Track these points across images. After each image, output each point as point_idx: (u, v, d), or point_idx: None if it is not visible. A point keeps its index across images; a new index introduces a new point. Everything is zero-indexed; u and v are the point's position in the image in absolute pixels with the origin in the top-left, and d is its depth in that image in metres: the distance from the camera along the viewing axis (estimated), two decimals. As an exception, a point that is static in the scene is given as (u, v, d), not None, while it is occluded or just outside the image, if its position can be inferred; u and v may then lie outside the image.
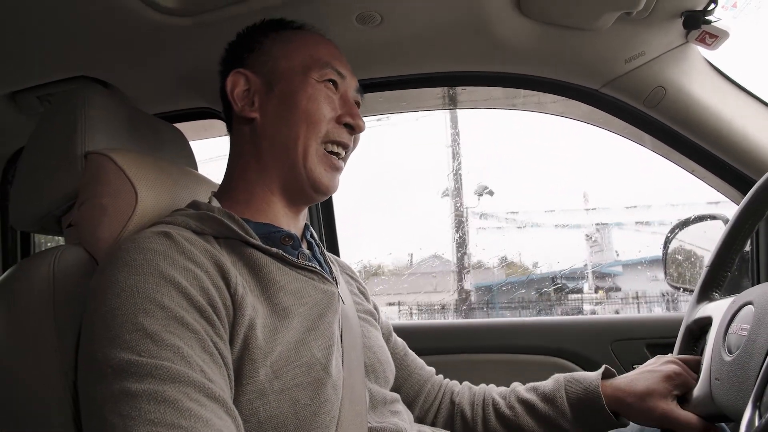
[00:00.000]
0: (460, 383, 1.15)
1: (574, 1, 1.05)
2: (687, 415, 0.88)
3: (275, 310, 0.76)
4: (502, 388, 1.09)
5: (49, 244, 1.82)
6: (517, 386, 1.07)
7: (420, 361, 1.15)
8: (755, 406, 0.65)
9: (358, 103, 0.97)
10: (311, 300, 0.82)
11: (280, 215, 0.91)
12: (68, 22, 1.04)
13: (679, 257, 1.52)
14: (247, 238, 0.82)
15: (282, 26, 0.98)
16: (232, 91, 0.91)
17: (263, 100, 0.91)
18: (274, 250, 0.83)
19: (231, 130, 0.97)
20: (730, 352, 0.79)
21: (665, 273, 1.52)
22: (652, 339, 1.39)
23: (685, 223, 1.49)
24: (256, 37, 0.96)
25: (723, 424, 0.89)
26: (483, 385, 1.12)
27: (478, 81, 1.34)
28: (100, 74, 1.23)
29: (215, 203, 0.88)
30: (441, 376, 1.16)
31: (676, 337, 1.01)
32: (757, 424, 0.61)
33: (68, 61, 1.19)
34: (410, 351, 1.15)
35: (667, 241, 1.53)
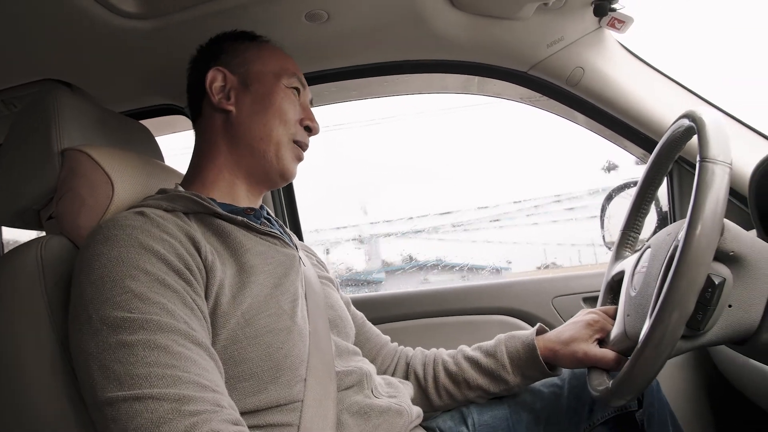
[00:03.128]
0: (416, 346, 1.26)
1: (497, -7, 1.16)
2: (602, 352, 1.00)
3: (243, 268, 0.87)
4: (451, 350, 1.19)
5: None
6: (463, 347, 1.18)
7: (376, 330, 1.25)
8: (650, 319, 0.79)
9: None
10: (275, 261, 0.94)
11: (242, 196, 1.03)
12: (31, 28, 1.07)
13: (612, 220, 1.68)
14: (214, 209, 0.92)
15: (253, 37, 1.10)
16: (211, 84, 1.02)
17: (239, 96, 1.03)
18: (239, 218, 0.94)
19: (200, 119, 1.06)
20: (635, 288, 0.93)
21: (603, 238, 1.67)
22: (587, 293, 1.52)
23: (614, 191, 1.65)
24: (230, 41, 1.08)
25: None
26: (434, 349, 1.22)
27: (420, 69, 1.44)
28: (64, 76, 1.26)
29: (180, 189, 0.98)
30: (396, 343, 1.26)
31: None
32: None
33: (32, 64, 1.22)
34: (368, 321, 1.25)
35: (603, 209, 1.68)
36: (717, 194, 0.70)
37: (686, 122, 0.85)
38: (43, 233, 1.01)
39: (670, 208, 1.48)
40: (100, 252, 0.76)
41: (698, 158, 0.73)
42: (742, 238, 0.77)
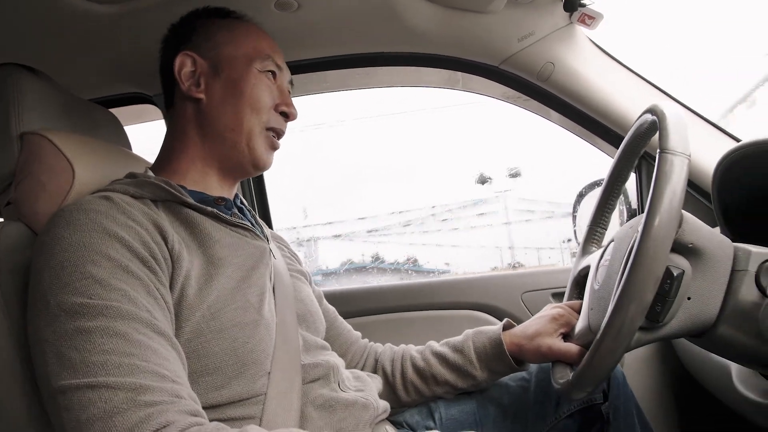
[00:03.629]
0: (387, 341, 1.25)
1: (468, -15, 1.16)
2: (567, 346, 1.00)
3: (211, 260, 0.85)
4: (420, 346, 1.19)
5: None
6: (431, 343, 1.18)
7: (347, 326, 1.24)
8: (609, 310, 0.79)
9: (289, 92, 1.07)
10: (244, 253, 0.92)
11: (214, 185, 0.99)
12: (-5, 12, 1.04)
13: (584, 218, 1.69)
14: (183, 198, 0.89)
15: (225, 14, 1.05)
16: (180, 70, 0.98)
17: (209, 83, 0.98)
18: (209, 209, 0.91)
19: (172, 106, 1.03)
20: (598, 282, 0.93)
21: (575, 234, 1.68)
22: (556, 288, 1.53)
23: (585, 189, 1.67)
24: (201, 20, 1.03)
25: None
26: (403, 345, 1.22)
27: (392, 61, 1.43)
28: (28, 61, 1.16)
29: (151, 173, 0.95)
30: (366, 340, 1.25)
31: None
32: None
33: (-4, 49, 1.18)
34: (339, 316, 1.24)
35: (576, 205, 1.69)
36: (675, 185, 0.70)
37: (650, 117, 0.86)
38: (1, 219, 0.98)
39: (638, 203, 1.50)
40: (61, 236, 0.74)
41: (658, 150, 0.74)
42: (702, 231, 0.78)
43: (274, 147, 1.02)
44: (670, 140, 0.73)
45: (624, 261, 0.82)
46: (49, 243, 0.74)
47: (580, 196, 1.67)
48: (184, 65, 0.98)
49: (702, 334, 0.81)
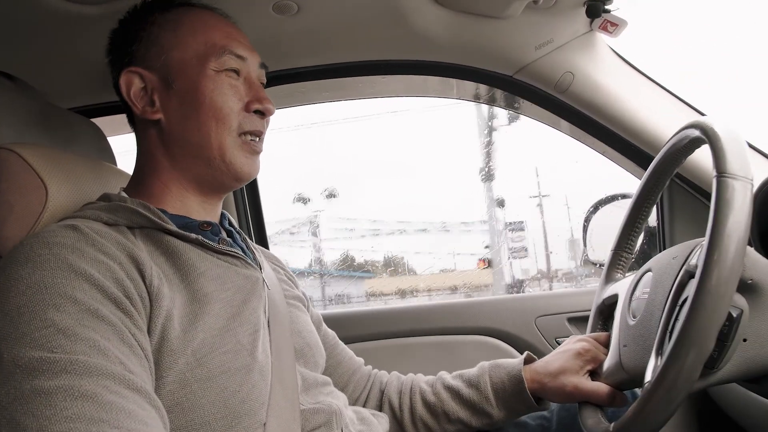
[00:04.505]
0: (392, 368, 1.16)
1: (484, -12, 1.09)
2: (595, 385, 0.91)
3: (195, 296, 0.75)
4: (430, 377, 1.10)
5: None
6: (443, 374, 1.09)
7: (349, 352, 1.15)
8: (657, 355, 0.70)
9: (262, 82, 0.95)
10: (234, 286, 0.81)
11: (196, 208, 0.89)
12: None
13: (596, 235, 1.61)
14: (163, 225, 0.79)
15: (165, 6, 0.91)
16: (128, 92, 0.86)
17: (164, 99, 0.86)
18: (193, 236, 0.81)
19: (135, 129, 0.92)
20: (634, 316, 0.84)
21: (587, 255, 1.60)
22: (572, 313, 1.45)
23: (600, 203, 1.58)
24: (141, 24, 0.90)
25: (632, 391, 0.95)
26: (411, 375, 1.13)
27: (398, 69, 1.36)
28: (3, 66, 1.11)
29: (124, 195, 0.85)
30: (370, 367, 1.16)
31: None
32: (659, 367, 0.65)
33: (-33, 54, 1.11)
34: (340, 342, 1.15)
35: (586, 221, 1.61)
36: (738, 215, 0.61)
37: (693, 133, 0.76)
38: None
39: (659, 224, 1.41)
40: (18, 276, 0.63)
41: (715, 173, 0.65)
42: (760, 264, 0.69)
43: (255, 151, 0.90)
44: (728, 162, 0.64)
45: (670, 298, 0.73)
46: (4, 284, 0.63)
47: (594, 209, 1.59)
48: (132, 84, 0.87)
49: (758, 380, 0.72)
